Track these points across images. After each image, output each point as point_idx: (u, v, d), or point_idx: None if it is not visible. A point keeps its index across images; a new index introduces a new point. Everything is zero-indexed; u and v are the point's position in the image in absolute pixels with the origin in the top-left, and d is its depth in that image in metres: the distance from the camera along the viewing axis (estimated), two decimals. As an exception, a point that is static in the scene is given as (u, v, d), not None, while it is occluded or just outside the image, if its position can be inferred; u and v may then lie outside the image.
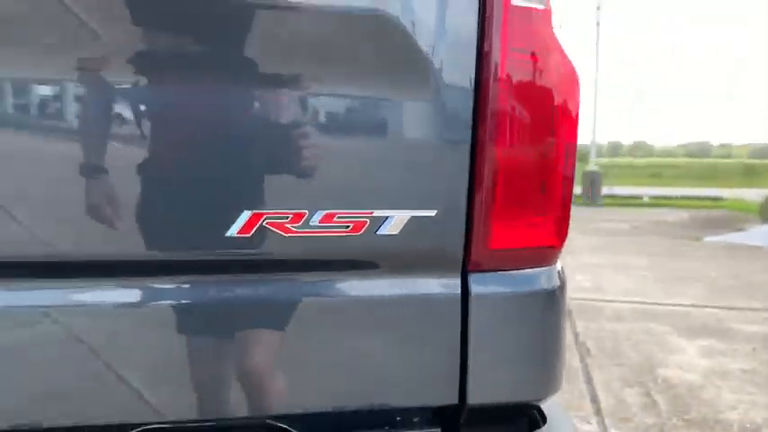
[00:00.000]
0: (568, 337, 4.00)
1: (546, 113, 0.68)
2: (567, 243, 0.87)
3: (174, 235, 0.57)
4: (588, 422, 2.67)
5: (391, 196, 0.61)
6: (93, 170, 0.58)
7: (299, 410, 0.61)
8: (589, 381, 3.17)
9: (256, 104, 0.61)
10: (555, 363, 0.74)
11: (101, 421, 0.60)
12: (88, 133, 0.59)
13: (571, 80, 0.68)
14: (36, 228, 0.56)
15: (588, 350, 3.65)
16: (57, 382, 0.60)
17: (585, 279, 5.50)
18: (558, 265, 0.79)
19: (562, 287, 0.77)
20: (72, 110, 0.58)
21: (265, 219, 0.60)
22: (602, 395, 2.97)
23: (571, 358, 3.56)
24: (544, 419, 0.80)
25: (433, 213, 0.63)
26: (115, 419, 0.59)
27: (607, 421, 2.68)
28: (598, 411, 2.78)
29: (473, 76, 0.65)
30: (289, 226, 0.62)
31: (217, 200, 0.58)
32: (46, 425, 0.60)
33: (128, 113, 0.58)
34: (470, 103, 0.62)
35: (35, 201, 0.57)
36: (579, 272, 5.71)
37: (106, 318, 0.58)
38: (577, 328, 4.13)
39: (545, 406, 0.82)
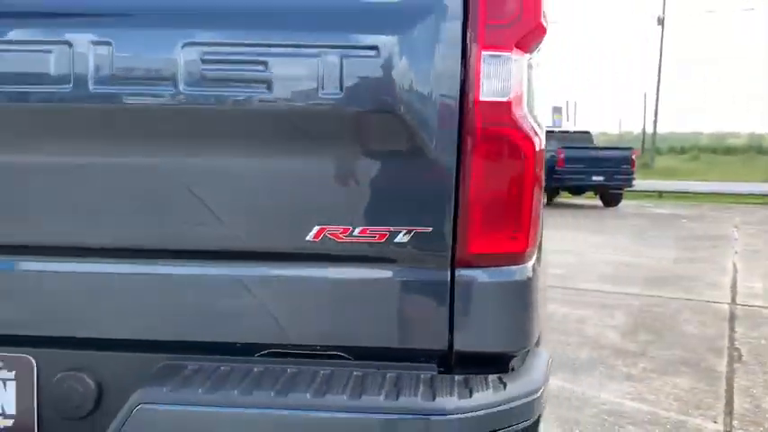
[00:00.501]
0: (722, 343, 3.98)
1: (513, 168, 0.97)
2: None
3: (279, 236, 0.98)
4: (714, 421, 2.76)
5: (402, 218, 0.95)
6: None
7: (354, 344, 0.97)
8: (730, 384, 3.21)
9: (328, 161, 0.99)
10: (522, 327, 1.01)
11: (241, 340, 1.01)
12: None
13: (529, 146, 0.97)
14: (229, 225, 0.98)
15: (740, 356, 3.63)
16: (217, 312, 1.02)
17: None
18: (530, 262, 1.07)
19: (532, 278, 1.05)
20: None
21: (327, 231, 0.98)
22: (738, 399, 3.01)
23: (718, 362, 3.58)
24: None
25: (429, 230, 0.97)
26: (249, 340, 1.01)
27: (735, 423, 2.75)
28: (729, 413, 2.84)
29: (455, 146, 0.96)
30: (341, 235, 0.99)
31: (302, 218, 0.97)
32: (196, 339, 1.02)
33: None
34: (455, 162, 0.94)
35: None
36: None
37: (244, 286, 0.98)
38: (735, 334, 4.08)
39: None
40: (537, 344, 1.17)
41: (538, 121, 1.10)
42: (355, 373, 1.06)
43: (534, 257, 1.12)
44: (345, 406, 0.98)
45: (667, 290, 5.56)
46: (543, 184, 1.15)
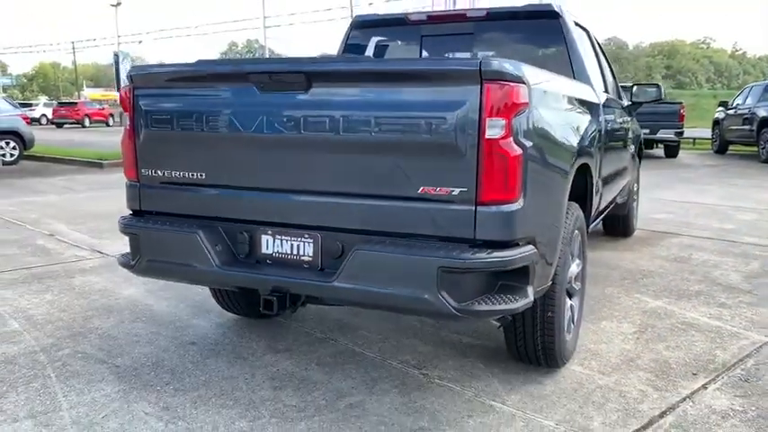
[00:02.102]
0: None
1: (503, 164, 2.27)
2: None
3: (408, 190, 2.37)
4: (765, 336, 3.72)
5: (455, 184, 2.31)
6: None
7: (439, 234, 2.35)
8: None
9: (431, 162, 2.34)
10: (509, 230, 2.24)
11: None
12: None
13: (514, 154, 2.24)
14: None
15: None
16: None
17: None
18: (515, 204, 2.33)
19: (514, 210, 2.33)
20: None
21: (426, 189, 2.37)
22: None
23: None
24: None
25: (466, 189, 2.30)
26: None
27: None
28: None
29: (476, 157, 2.26)
30: (431, 190, 2.36)
31: (416, 183, 2.36)
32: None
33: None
34: (476, 163, 2.25)
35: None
36: None
37: (393, 207, 2.42)
38: None
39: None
40: (528, 243, 2.52)
41: (530, 140, 2.44)
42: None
43: (521, 200, 2.43)
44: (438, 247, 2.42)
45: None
46: (544, 166, 2.49)
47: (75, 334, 3.71)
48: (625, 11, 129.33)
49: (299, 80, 2.54)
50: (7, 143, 14.06)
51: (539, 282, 2.63)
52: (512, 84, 2.33)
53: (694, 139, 20.71)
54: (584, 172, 3.41)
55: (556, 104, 2.80)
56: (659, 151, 17.31)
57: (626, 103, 5.65)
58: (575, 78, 3.88)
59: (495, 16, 4.22)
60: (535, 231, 2.53)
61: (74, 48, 70.75)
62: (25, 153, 14.47)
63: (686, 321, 3.98)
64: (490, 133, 2.31)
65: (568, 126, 2.94)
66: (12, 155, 14.13)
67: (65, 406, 2.83)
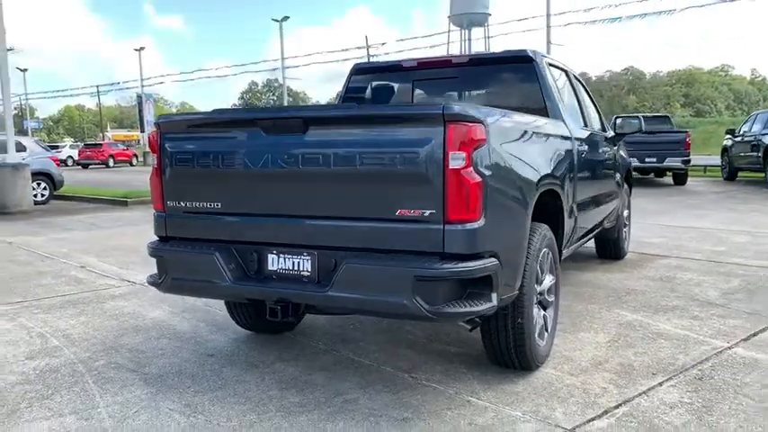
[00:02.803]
0: None
1: (464, 189, 2.71)
2: None
3: (387, 212, 2.82)
4: (727, 343, 4.09)
5: (426, 207, 2.75)
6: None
7: (411, 249, 2.80)
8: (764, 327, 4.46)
9: (403, 188, 2.81)
10: (472, 244, 2.68)
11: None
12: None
13: (474, 182, 2.69)
14: None
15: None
16: None
17: None
18: (477, 222, 2.76)
19: (476, 228, 2.76)
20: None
21: (402, 211, 2.82)
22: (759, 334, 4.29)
23: None
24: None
25: (435, 211, 2.76)
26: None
27: (742, 344, 4.08)
28: (747, 339, 4.14)
29: (443, 183, 2.71)
30: (406, 212, 2.80)
31: (395, 206, 2.81)
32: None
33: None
34: (443, 188, 2.70)
35: None
36: None
37: (369, 229, 2.90)
38: None
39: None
40: (491, 256, 2.97)
41: (489, 170, 2.91)
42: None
43: (482, 218, 2.90)
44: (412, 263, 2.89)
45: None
46: (503, 191, 2.98)
47: (108, 348, 4.21)
48: (642, 40, 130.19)
49: (297, 124, 3.06)
50: (39, 184, 14.82)
51: (504, 290, 3.08)
52: (470, 123, 2.82)
53: (705, 166, 21.05)
54: (553, 197, 3.87)
55: (515, 139, 3.28)
56: (669, 179, 17.69)
57: (611, 134, 6.12)
58: (548, 115, 4.37)
59: (476, 61, 4.75)
60: (497, 246, 2.99)
61: (98, 91, 72.97)
62: (55, 193, 15.22)
63: (657, 331, 4.37)
64: (453, 164, 2.79)
65: (529, 157, 3.41)
66: (43, 195, 14.88)
67: (101, 404, 3.31)
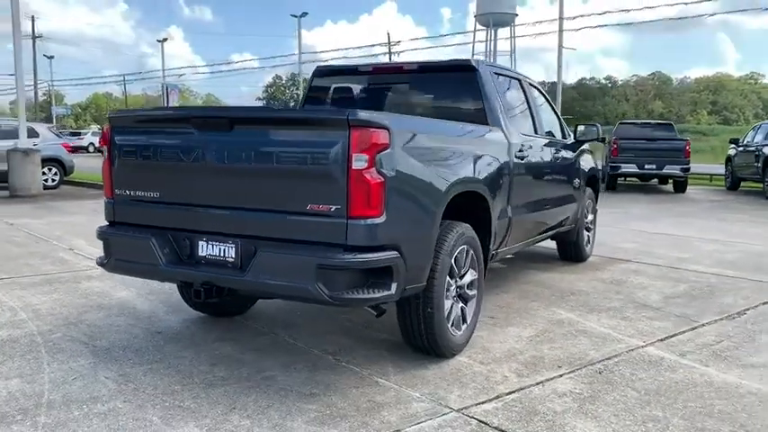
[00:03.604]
0: (734, 311, 5.27)
1: (366, 187, 3.00)
2: None
3: (299, 206, 3.17)
4: (643, 342, 4.34)
5: (333, 202, 3.04)
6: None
7: (316, 240, 3.09)
8: (692, 327, 4.70)
9: (313, 185, 3.13)
10: (373, 237, 2.96)
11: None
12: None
13: (375, 182, 2.97)
14: None
15: (739, 317, 4.99)
16: None
17: None
18: (379, 218, 3.06)
19: (377, 223, 3.04)
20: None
21: (312, 205, 3.13)
22: (684, 335, 4.55)
23: (712, 320, 4.99)
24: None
25: (340, 206, 3.04)
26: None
27: (663, 345, 4.34)
28: (665, 339, 4.40)
29: (347, 181, 3.00)
30: (315, 207, 3.11)
31: (305, 201, 3.11)
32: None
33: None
34: (346, 186, 2.99)
35: None
36: None
37: (283, 219, 3.21)
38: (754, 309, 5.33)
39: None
40: (392, 249, 3.27)
41: (392, 171, 3.21)
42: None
43: (383, 215, 3.19)
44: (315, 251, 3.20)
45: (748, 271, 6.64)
46: (408, 191, 3.27)
47: (69, 323, 4.57)
48: (670, 45, 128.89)
49: (224, 123, 3.38)
50: (50, 169, 15.35)
51: (407, 281, 3.37)
52: (374, 129, 3.12)
53: (711, 175, 21.05)
54: (478, 199, 4.15)
55: (423, 145, 3.55)
56: (670, 187, 17.79)
57: (571, 140, 6.37)
58: (487, 121, 4.64)
59: (425, 69, 5.03)
60: (399, 240, 3.28)
61: (124, 80, 74.27)
62: (65, 178, 15.76)
63: (582, 329, 4.63)
64: (356, 165, 3.09)
65: (440, 161, 3.68)
66: (53, 180, 15.42)
67: (47, 371, 3.66)
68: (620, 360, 4.01)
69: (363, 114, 3.13)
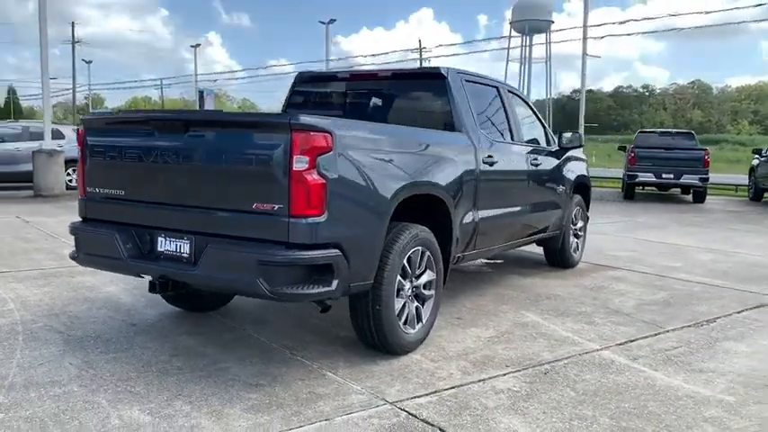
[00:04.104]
0: (702, 319, 5.30)
1: (305, 188, 3.13)
2: None
3: (246, 204, 3.30)
4: (603, 347, 4.41)
5: (276, 202, 3.19)
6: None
7: (260, 237, 3.25)
8: (656, 332, 4.74)
9: (257, 184, 3.28)
10: (313, 236, 3.12)
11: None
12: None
13: (315, 183, 3.15)
14: None
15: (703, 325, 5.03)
16: None
17: None
18: (320, 217, 3.21)
19: (318, 222, 3.18)
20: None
21: (257, 204, 3.29)
22: (640, 340, 4.61)
23: (678, 326, 5.03)
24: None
25: (283, 205, 3.20)
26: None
27: (617, 348, 4.41)
28: (624, 344, 4.45)
29: (288, 182, 3.15)
30: (260, 206, 3.27)
31: (252, 200, 3.27)
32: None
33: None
34: (288, 186, 3.14)
35: None
36: None
37: (228, 215, 3.37)
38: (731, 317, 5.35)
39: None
40: (334, 247, 3.42)
41: (334, 173, 3.37)
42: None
43: (324, 215, 3.35)
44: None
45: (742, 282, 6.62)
46: (352, 192, 3.43)
47: (52, 314, 4.82)
48: (709, 54, 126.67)
49: (180, 126, 3.58)
50: (74, 170, 15.85)
51: (352, 278, 3.52)
52: (315, 133, 3.29)
53: (737, 186, 20.71)
54: (436, 202, 4.29)
55: (372, 148, 3.70)
56: (691, 197, 17.55)
57: (555, 148, 6.46)
58: (454, 127, 4.77)
59: (398, 75, 5.19)
60: (341, 239, 3.43)
61: (161, 84, 75.90)
62: (89, 179, 16.25)
63: (544, 332, 4.72)
64: (296, 167, 3.26)
65: (389, 165, 3.82)
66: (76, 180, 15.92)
67: (18, 357, 3.90)
68: (571, 362, 4.09)
69: (305, 119, 3.29)
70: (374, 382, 3.65)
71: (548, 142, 6.48)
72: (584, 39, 23.86)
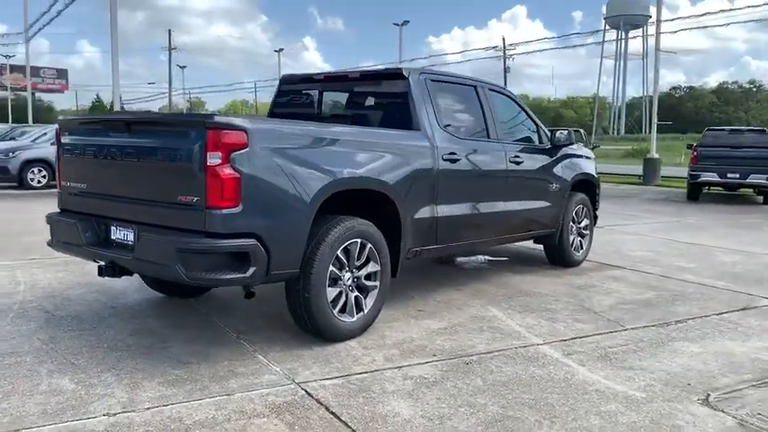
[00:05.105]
0: (668, 322, 5.22)
1: (219, 181, 3.37)
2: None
3: (171, 196, 3.63)
4: (545, 344, 4.47)
5: (195, 194, 3.49)
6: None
7: (182, 227, 3.59)
8: (614, 331, 4.73)
9: (179, 179, 3.59)
10: (228, 225, 3.37)
11: None
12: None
13: (228, 177, 3.39)
14: None
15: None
16: None
17: None
18: (235, 208, 3.45)
19: (233, 213, 3.45)
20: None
21: (180, 196, 3.58)
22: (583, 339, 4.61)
23: (638, 323, 4.99)
24: None
25: (201, 197, 3.50)
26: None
27: (557, 343, 4.44)
28: (560, 342, 4.51)
29: (204, 176, 3.44)
30: (182, 198, 3.56)
31: (177, 193, 3.58)
32: None
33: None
34: (204, 180, 3.44)
35: None
36: None
37: (162, 209, 3.72)
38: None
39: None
40: (250, 236, 3.69)
41: (249, 168, 3.64)
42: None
43: (239, 206, 3.63)
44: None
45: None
46: (269, 185, 3.70)
47: (50, 296, 5.36)
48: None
49: (123, 125, 3.97)
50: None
51: (273, 267, 3.79)
52: (228, 131, 3.58)
53: None
54: (382, 197, 4.48)
55: (299, 146, 3.94)
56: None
57: (547, 145, 6.49)
58: (412, 126, 4.94)
59: (365, 76, 5.41)
60: (259, 229, 3.70)
61: (255, 87, 78.70)
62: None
63: (496, 326, 4.81)
64: (210, 162, 3.56)
65: (317, 161, 4.05)
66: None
67: (-2, 331, 4.41)
68: (502, 355, 4.19)
69: (219, 118, 3.59)
70: (295, 364, 3.89)
71: (540, 140, 6.49)
72: (657, 34, 23.01)
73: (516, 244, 7.71)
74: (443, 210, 5.05)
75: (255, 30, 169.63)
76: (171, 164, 3.72)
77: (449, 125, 5.22)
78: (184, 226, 3.70)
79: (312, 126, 4.35)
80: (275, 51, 53.80)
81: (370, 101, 5.36)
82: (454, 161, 5.12)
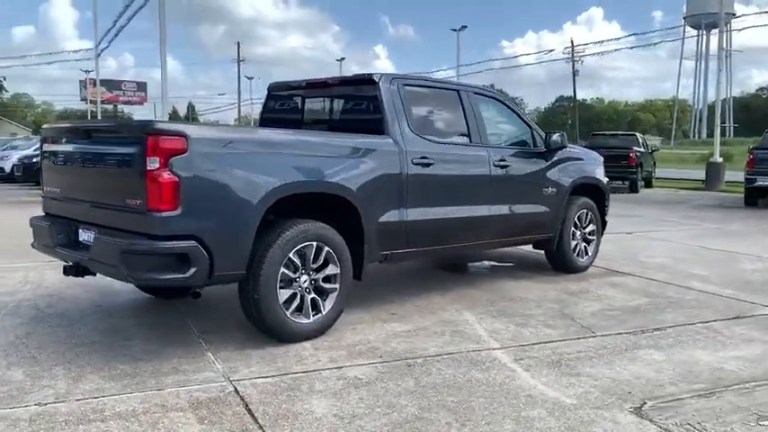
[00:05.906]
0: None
1: (158, 185, 3.52)
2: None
3: (120, 200, 3.80)
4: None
5: (139, 198, 3.65)
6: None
7: (130, 230, 3.74)
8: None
9: (126, 182, 3.78)
10: (168, 227, 3.53)
11: None
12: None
13: (166, 181, 3.53)
14: None
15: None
16: None
17: None
18: (174, 211, 3.57)
19: (173, 215, 3.56)
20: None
21: (128, 200, 3.75)
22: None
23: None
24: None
25: (143, 200, 3.65)
26: None
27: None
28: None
29: (144, 180, 3.59)
30: (129, 201, 3.74)
31: (124, 196, 3.78)
32: None
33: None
34: (145, 184, 3.59)
35: None
36: None
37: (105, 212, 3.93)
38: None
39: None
40: (190, 239, 3.84)
41: (188, 173, 3.80)
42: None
43: (178, 209, 3.78)
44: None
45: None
46: (209, 190, 3.85)
47: (47, 295, 5.69)
48: None
49: (83, 133, 4.22)
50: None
51: (216, 268, 3.93)
52: (167, 136, 3.75)
53: None
54: (342, 201, 4.56)
55: (244, 151, 4.05)
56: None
57: (542, 149, 6.41)
58: (383, 130, 5.00)
59: (343, 82, 5.51)
60: (199, 232, 3.85)
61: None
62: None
63: (460, 330, 4.80)
64: (150, 166, 3.73)
65: (267, 165, 4.14)
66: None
67: (-16, 326, 4.73)
68: (450, 358, 4.18)
69: (159, 124, 3.78)
70: (239, 363, 4.01)
71: (535, 144, 6.42)
72: (721, 32, 22.09)
73: (524, 249, 7.63)
74: (414, 213, 5.07)
75: (327, 40, 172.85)
76: (119, 169, 3.92)
77: (422, 129, 5.24)
78: (132, 228, 3.88)
79: (259, 132, 4.48)
80: (336, 60, 54.64)
81: (347, 106, 5.45)
82: (426, 165, 5.14)
